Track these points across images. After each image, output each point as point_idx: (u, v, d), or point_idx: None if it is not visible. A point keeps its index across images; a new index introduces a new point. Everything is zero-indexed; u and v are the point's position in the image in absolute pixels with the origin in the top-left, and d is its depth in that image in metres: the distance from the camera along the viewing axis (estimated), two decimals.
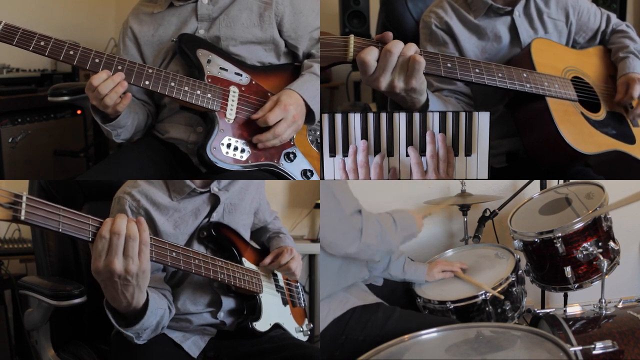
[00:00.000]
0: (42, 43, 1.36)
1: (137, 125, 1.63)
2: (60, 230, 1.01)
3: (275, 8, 1.60)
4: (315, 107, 1.55)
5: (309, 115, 1.56)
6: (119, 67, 1.42)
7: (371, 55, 1.28)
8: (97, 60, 1.41)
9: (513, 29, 1.69)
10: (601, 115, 1.64)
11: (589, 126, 1.57)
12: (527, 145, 1.57)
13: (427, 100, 1.39)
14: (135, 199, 1.43)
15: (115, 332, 1.34)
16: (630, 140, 1.65)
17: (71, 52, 1.39)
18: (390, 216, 1.60)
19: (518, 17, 1.69)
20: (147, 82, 1.45)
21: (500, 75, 1.45)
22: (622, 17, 2.69)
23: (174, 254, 1.25)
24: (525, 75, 1.50)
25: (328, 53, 1.33)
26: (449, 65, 1.39)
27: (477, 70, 1.43)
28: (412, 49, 1.29)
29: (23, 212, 0.95)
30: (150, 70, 1.46)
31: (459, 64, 1.40)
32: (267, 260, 1.58)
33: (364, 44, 1.32)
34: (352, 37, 1.31)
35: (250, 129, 1.53)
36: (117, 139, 1.62)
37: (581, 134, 1.53)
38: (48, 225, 0.99)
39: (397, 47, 1.28)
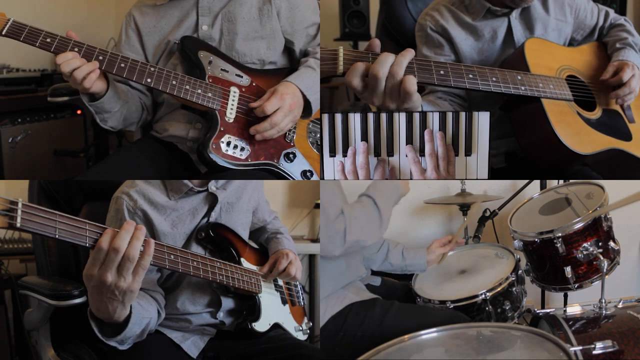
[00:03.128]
0: (49, 40, 1.40)
1: (126, 114, 1.63)
2: (56, 236, 0.99)
3: (274, 1, 1.61)
4: (313, 98, 1.55)
5: (308, 108, 1.56)
6: (122, 65, 1.44)
7: (355, 77, 1.25)
8: (100, 58, 1.43)
9: (509, 30, 1.69)
10: (597, 113, 1.64)
11: (585, 125, 1.56)
12: (524, 147, 1.57)
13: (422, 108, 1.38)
14: (132, 199, 1.44)
15: None
16: (627, 137, 1.64)
17: (76, 49, 1.41)
18: (370, 199, 1.56)
19: (514, 19, 1.68)
20: (149, 80, 1.47)
21: (494, 79, 1.44)
22: (621, 15, 2.68)
23: (172, 256, 1.24)
24: (519, 77, 1.49)
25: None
26: (441, 72, 1.38)
27: (470, 76, 1.41)
28: (402, 65, 1.25)
29: (19, 219, 0.94)
30: (152, 69, 1.47)
31: (452, 71, 1.39)
32: (265, 269, 1.58)
33: (353, 56, 1.29)
34: (341, 49, 1.29)
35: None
36: (104, 125, 1.61)
37: (578, 134, 1.52)
38: (44, 231, 0.98)
39: (383, 69, 1.24)
